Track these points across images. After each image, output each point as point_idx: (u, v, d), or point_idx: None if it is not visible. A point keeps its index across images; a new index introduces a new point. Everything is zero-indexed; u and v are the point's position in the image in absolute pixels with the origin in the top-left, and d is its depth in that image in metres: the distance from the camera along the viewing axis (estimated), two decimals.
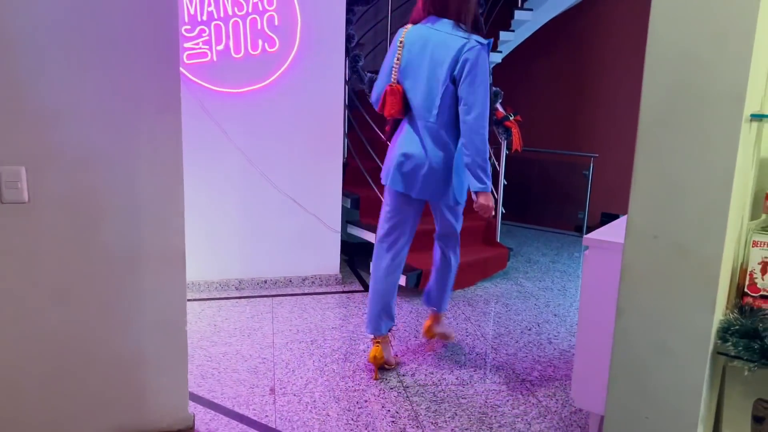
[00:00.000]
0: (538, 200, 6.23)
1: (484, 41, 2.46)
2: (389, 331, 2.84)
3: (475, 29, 2.52)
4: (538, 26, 5.50)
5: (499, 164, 4.33)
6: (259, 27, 3.50)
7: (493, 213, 2.63)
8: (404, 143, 2.60)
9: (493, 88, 4.23)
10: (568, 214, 6.11)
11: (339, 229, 3.96)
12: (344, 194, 4.03)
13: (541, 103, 6.23)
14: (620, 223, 2.46)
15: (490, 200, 2.56)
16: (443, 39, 2.47)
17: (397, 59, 2.55)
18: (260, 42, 3.52)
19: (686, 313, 1.14)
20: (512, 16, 5.26)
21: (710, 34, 1.06)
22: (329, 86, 3.76)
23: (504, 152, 4.27)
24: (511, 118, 4.13)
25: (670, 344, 1.15)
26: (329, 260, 3.98)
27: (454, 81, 2.47)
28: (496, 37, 5.15)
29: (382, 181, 2.70)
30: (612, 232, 2.27)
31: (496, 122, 4.19)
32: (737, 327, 1.10)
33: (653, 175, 1.13)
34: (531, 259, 4.79)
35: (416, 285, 3.75)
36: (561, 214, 6.14)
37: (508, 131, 4.15)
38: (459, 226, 2.83)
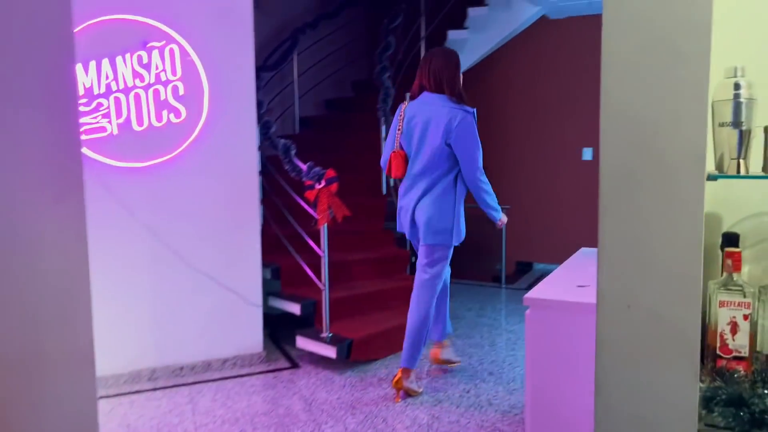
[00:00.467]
0: (456, 253, 6.26)
1: (470, 110, 3.02)
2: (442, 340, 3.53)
3: (461, 100, 3.06)
4: None
5: None
6: (163, 97, 3.32)
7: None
8: (404, 197, 3.17)
9: None
10: (485, 265, 6.18)
11: (260, 303, 3.73)
12: (264, 264, 3.82)
13: None
14: (555, 278, 2.44)
15: (504, 219, 3.38)
16: (437, 110, 3.01)
17: (399, 129, 3.12)
18: (165, 113, 3.33)
19: (669, 384, 1.07)
20: None
21: (664, 96, 1.04)
22: (241, 154, 3.61)
23: None
24: None
25: (655, 419, 1.08)
26: (251, 338, 3.72)
27: (448, 145, 3.00)
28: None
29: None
30: (550, 290, 2.24)
31: None
32: (723, 396, 1.05)
33: (619, 243, 1.08)
34: (457, 314, 4.74)
35: (347, 356, 3.57)
36: (478, 265, 6.20)
37: None
38: (435, 271, 3.19)
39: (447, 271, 3.31)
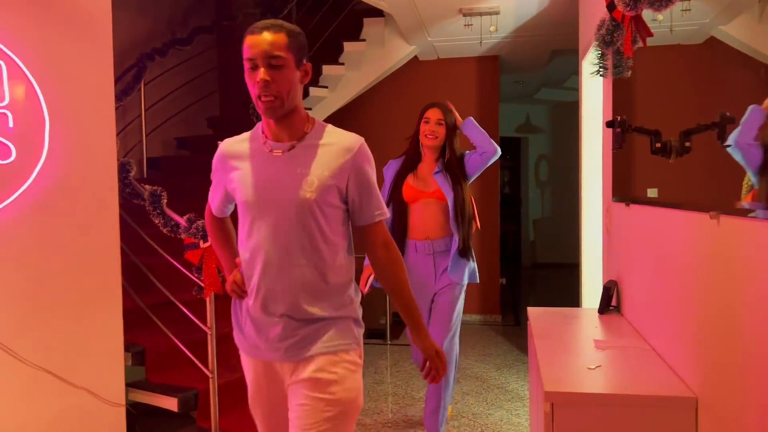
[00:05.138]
0: None
1: None
2: None
3: None
4: None
5: None
6: None
7: None
8: None
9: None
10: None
11: (123, 401, 2.82)
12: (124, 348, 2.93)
13: None
14: (549, 358, 2.00)
15: None
16: None
17: None
18: None
19: None
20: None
21: None
22: (96, 208, 2.73)
23: None
24: None
25: None
26: None
27: None
28: None
29: None
30: (564, 379, 1.78)
31: None
32: None
33: None
34: None
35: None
36: None
37: None
38: None
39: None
